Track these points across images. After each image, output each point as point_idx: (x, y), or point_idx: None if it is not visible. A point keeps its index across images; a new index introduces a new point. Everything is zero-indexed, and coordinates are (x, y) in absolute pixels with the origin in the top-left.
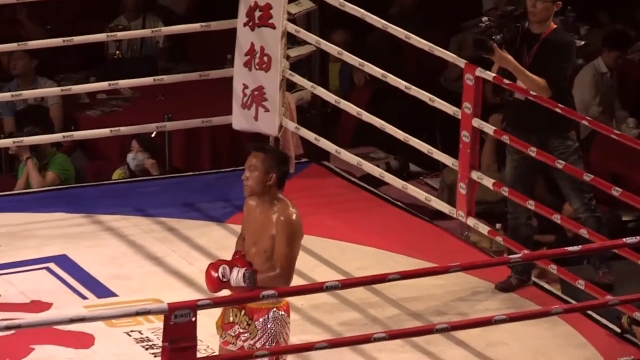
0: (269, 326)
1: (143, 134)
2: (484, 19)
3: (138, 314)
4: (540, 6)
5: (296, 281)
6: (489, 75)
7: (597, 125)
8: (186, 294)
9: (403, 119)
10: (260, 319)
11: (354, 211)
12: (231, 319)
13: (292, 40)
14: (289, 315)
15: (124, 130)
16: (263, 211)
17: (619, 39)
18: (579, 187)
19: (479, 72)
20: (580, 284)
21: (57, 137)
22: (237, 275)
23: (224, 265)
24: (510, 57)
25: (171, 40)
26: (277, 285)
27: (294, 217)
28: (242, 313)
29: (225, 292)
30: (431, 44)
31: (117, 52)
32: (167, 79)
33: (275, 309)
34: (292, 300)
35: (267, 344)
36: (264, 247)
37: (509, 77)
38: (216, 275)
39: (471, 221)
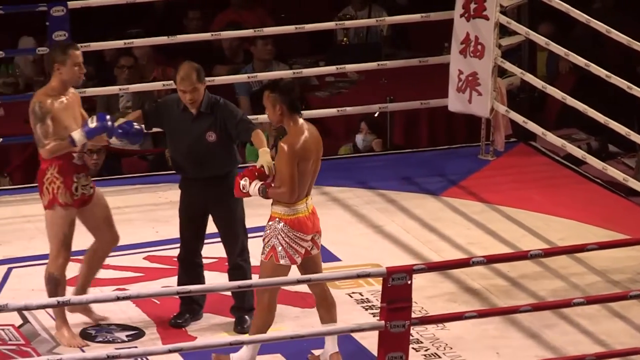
0: (267, 231)
1: (370, 117)
2: None
3: (359, 276)
4: None
5: (503, 249)
6: None
7: None
8: (403, 260)
9: (603, 103)
10: (269, 223)
11: (557, 187)
12: None
13: (503, 31)
14: (293, 228)
15: (349, 110)
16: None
17: None
18: None
19: None
20: None
21: None
22: (254, 188)
23: (245, 178)
24: None
25: (394, 28)
26: (282, 198)
27: (288, 143)
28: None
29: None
30: (629, 38)
31: (345, 39)
32: (389, 64)
33: (278, 219)
34: (500, 267)
35: (266, 246)
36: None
37: None
38: (239, 187)
39: None
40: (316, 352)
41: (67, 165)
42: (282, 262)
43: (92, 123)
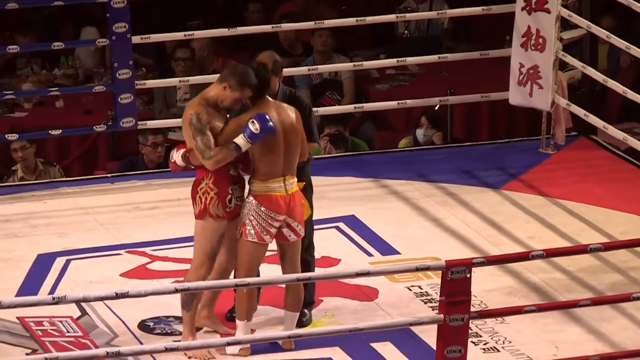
0: (243, 208)
1: (431, 111)
2: None
3: (418, 269)
4: None
5: (563, 243)
6: None
7: None
8: (463, 253)
9: None
10: (245, 199)
11: (618, 181)
12: None
13: (564, 24)
14: (262, 205)
15: (410, 103)
16: None
17: None
18: None
19: None
20: None
21: (348, 108)
22: (177, 155)
23: (173, 150)
24: None
25: (455, 21)
26: (198, 162)
27: (238, 119)
28: None
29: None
30: None
31: (406, 31)
32: (450, 57)
33: (251, 196)
34: (560, 261)
35: (239, 222)
36: None
37: None
38: (170, 158)
39: None
40: None
41: (223, 176)
42: (249, 238)
43: (254, 126)
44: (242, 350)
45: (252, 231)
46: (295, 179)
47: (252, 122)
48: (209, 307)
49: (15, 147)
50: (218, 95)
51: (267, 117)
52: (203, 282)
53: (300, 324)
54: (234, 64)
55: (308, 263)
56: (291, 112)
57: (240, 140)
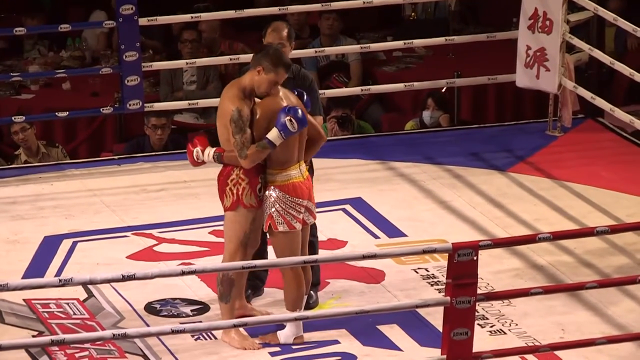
0: (264, 202)
1: (437, 93)
2: None
3: (425, 252)
4: None
5: (570, 226)
6: None
7: None
8: (469, 235)
9: None
10: (265, 192)
11: (625, 163)
12: None
13: (572, 6)
14: (288, 193)
15: (417, 85)
16: None
17: None
18: None
19: None
20: None
21: (356, 90)
22: (207, 156)
23: (197, 149)
24: None
25: (462, 4)
26: (235, 161)
27: (259, 107)
28: None
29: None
30: None
31: (413, 14)
32: (457, 39)
33: (272, 187)
34: (566, 243)
35: (265, 216)
36: None
37: None
38: (192, 156)
39: None
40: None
41: (253, 166)
42: (280, 228)
43: (292, 124)
44: (297, 338)
45: (281, 220)
46: (304, 163)
47: (290, 120)
48: (240, 298)
49: (15, 129)
50: (253, 81)
51: (301, 111)
52: (209, 265)
53: (307, 305)
54: (264, 46)
55: (312, 244)
56: (295, 97)
57: (274, 135)
